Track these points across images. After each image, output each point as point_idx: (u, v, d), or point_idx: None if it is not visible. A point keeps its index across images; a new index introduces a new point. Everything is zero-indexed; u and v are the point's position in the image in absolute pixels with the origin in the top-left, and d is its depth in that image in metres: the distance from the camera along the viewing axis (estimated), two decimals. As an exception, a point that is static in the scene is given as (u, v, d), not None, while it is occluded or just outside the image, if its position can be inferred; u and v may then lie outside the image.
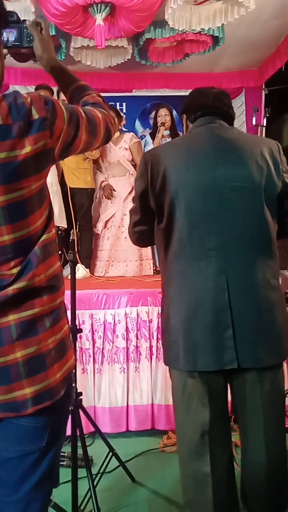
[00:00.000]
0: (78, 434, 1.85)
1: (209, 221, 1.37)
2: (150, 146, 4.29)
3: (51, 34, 3.80)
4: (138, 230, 1.58)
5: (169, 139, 4.12)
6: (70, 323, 1.93)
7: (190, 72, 5.12)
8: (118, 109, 4.80)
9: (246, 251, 1.38)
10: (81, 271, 3.59)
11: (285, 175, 1.44)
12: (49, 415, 0.98)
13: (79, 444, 1.87)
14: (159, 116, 4.17)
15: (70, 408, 1.09)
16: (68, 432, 1.86)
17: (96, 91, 1.21)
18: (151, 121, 5.05)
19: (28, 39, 1.15)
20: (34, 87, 4.23)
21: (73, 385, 1.08)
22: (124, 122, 4.24)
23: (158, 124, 4.11)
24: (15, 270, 0.93)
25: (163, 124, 4.08)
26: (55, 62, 1.20)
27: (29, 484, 0.98)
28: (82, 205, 3.74)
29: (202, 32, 3.79)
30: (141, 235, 1.59)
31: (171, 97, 5.63)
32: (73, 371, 1.07)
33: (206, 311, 1.35)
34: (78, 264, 3.46)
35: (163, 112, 4.18)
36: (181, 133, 4.20)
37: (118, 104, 5.65)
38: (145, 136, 4.57)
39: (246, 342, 1.35)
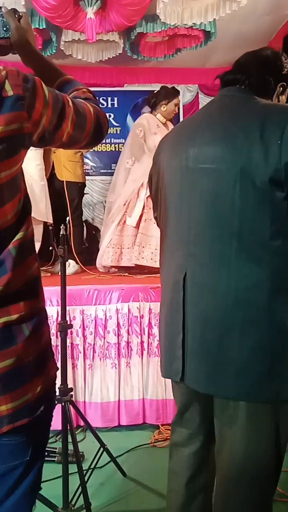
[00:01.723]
0: (68, 429, 1.85)
1: (180, 210, 1.18)
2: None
3: (41, 28, 3.81)
4: (155, 217, 1.45)
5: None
6: (60, 319, 1.93)
7: (182, 67, 5.11)
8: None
9: (211, 249, 1.09)
10: (72, 266, 3.58)
11: None
12: (31, 429, 0.90)
13: (70, 440, 1.87)
14: None
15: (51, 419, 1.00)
16: (59, 427, 1.87)
17: (86, 86, 1.09)
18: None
19: (4, 28, 1.02)
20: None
21: (55, 398, 1.00)
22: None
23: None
24: None
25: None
26: (36, 53, 1.07)
27: (14, 498, 0.92)
28: (72, 199, 3.71)
29: (194, 27, 3.78)
30: (157, 223, 1.44)
31: (163, 92, 5.62)
32: (55, 383, 0.98)
33: (166, 310, 1.22)
34: (69, 260, 3.47)
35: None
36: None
37: (110, 98, 5.63)
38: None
39: (193, 358, 1.12)
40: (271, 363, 1.04)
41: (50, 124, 0.88)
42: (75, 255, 3.56)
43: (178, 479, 1.30)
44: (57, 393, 1.89)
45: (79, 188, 3.82)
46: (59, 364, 2.51)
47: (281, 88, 1.22)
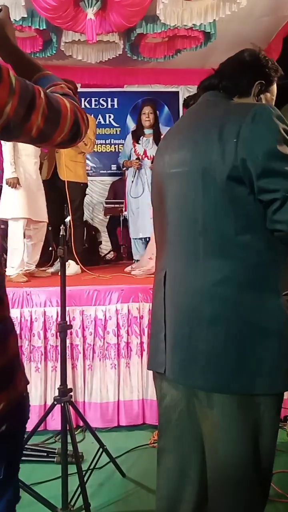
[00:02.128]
0: (68, 429, 1.85)
1: (160, 213, 1.25)
2: (128, 147, 4.23)
3: (41, 28, 3.81)
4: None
5: (150, 138, 4.13)
6: (60, 319, 1.93)
7: (182, 68, 5.12)
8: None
9: (183, 248, 1.14)
10: (72, 267, 3.58)
11: (246, 154, 1.02)
12: (3, 443, 0.82)
13: (69, 440, 1.87)
14: (143, 114, 4.14)
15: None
16: (59, 427, 1.87)
17: (63, 82, 1.01)
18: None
19: None
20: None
21: (25, 414, 0.90)
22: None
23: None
24: None
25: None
26: (14, 48, 1.01)
27: None
28: (74, 200, 3.71)
29: (193, 28, 3.79)
30: None
31: (162, 93, 5.63)
32: (25, 397, 0.89)
33: (153, 308, 1.27)
34: (69, 260, 3.48)
35: (147, 110, 4.13)
36: (162, 134, 4.20)
37: (109, 99, 5.64)
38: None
39: (171, 352, 1.15)
40: (240, 356, 1.04)
41: (16, 115, 0.79)
42: (75, 256, 3.56)
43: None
44: (57, 394, 1.90)
45: (80, 189, 3.82)
46: (59, 365, 2.54)
47: (260, 87, 1.20)
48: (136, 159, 4.06)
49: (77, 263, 3.62)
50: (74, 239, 3.58)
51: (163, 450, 1.24)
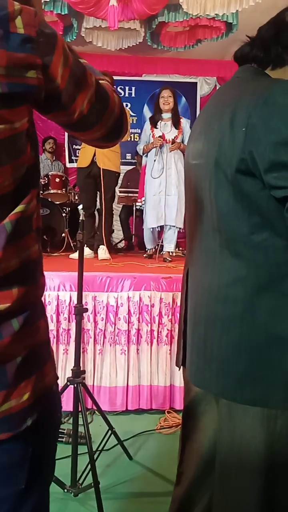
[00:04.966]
0: (79, 410, 1.89)
1: (187, 204, 1.18)
2: (147, 133, 4.13)
3: (63, 13, 3.80)
4: None
5: (169, 123, 3.99)
6: (76, 303, 1.96)
7: (201, 59, 5.09)
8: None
9: (201, 245, 1.06)
10: (104, 252, 3.75)
11: (253, 146, 0.88)
12: (26, 445, 0.72)
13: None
14: (161, 97, 3.96)
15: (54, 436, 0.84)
16: (70, 408, 1.92)
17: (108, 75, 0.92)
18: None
19: None
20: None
21: (56, 411, 0.81)
22: None
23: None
24: None
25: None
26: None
27: None
28: (109, 188, 3.85)
29: (216, 18, 3.77)
30: None
31: (180, 83, 5.60)
32: (54, 392, 0.80)
33: (180, 302, 1.25)
34: (101, 246, 3.66)
35: (166, 93, 3.94)
36: (182, 117, 4.14)
37: (127, 88, 5.62)
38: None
39: (190, 352, 1.10)
40: (252, 365, 0.95)
41: (66, 90, 0.72)
42: (104, 242, 3.69)
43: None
44: (68, 376, 1.94)
45: (115, 178, 3.95)
46: (70, 348, 2.59)
47: None
48: (159, 136, 3.89)
49: (109, 250, 3.78)
50: (105, 226, 3.69)
51: (188, 438, 1.22)
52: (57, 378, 0.81)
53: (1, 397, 0.68)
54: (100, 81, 0.81)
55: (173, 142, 3.86)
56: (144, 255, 4.03)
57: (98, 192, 3.95)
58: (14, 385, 0.69)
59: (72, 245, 4.40)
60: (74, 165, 6.10)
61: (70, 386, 1.91)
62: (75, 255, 3.76)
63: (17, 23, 0.65)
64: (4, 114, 0.66)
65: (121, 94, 5.71)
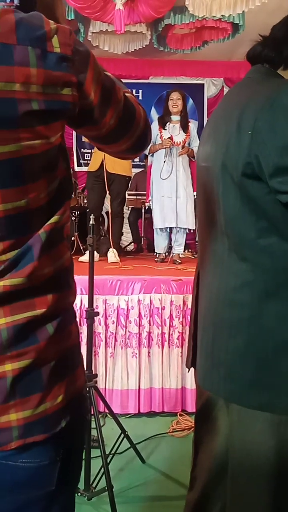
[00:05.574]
0: (92, 414, 1.90)
1: (198, 206, 1.18)
2: (154, 133, 4.03)
3: (70, 18, 3.83)
4: None
5: (177, 125, 3.96)
6: (88, 306, 1.97)
7: (208, 60, 5.09)
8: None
9: (209, 248, 1.06)
10: (114, 255, 3.76)
11: (257, 148, 0.87)
12: (58, 447, 0.73)
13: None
14: (170, 100, 3.93)
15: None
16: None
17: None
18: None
19: None
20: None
21: (85, 415, 0.85)
22: None
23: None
24: (8, 255, 0.70)
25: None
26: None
27: None
28: (119, 192, 3.86)
29: (222, 19, 3.76)
30: None
31: (187, 85, 5.60)
32: (84, 396, 0.81)
33: (191, 305, 1.23)
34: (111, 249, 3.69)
35: (175, 96, 3.91)
36: (191, 120, 4.11)
37: (134, 91, 5.64)
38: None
39: (200, 355, 1.10)
40: (258, 371, 0.95)
41: (98, 105, 0.74)
42: (111, 245, 3.71)
43: None
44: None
45: (126, 182, 3.97)
46: (84, 350, 2.59)
47: None
48: (168, 138, 3.86)
49: (118, 253, 3.82)
50: (113, 230, 3.73)
51: (201, 442, 1.21)
52: (86, 381, 0.84)
53: (37, 399, 0.70)
54: (126, 94, 0.83)
55: (183, 146, 3.85)
56: (155, 259, 4.00)
57: (108, 195, 3.95)
58: (49, 388, 0.72)
59: (81, 248, 4.42)
60: (83, 169, 6.13)
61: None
62: (84, 258, 3.78)
63: (53, 42, 0.67)
64: (41, 130, 0.68)
65: (128, 97, 5.72)
